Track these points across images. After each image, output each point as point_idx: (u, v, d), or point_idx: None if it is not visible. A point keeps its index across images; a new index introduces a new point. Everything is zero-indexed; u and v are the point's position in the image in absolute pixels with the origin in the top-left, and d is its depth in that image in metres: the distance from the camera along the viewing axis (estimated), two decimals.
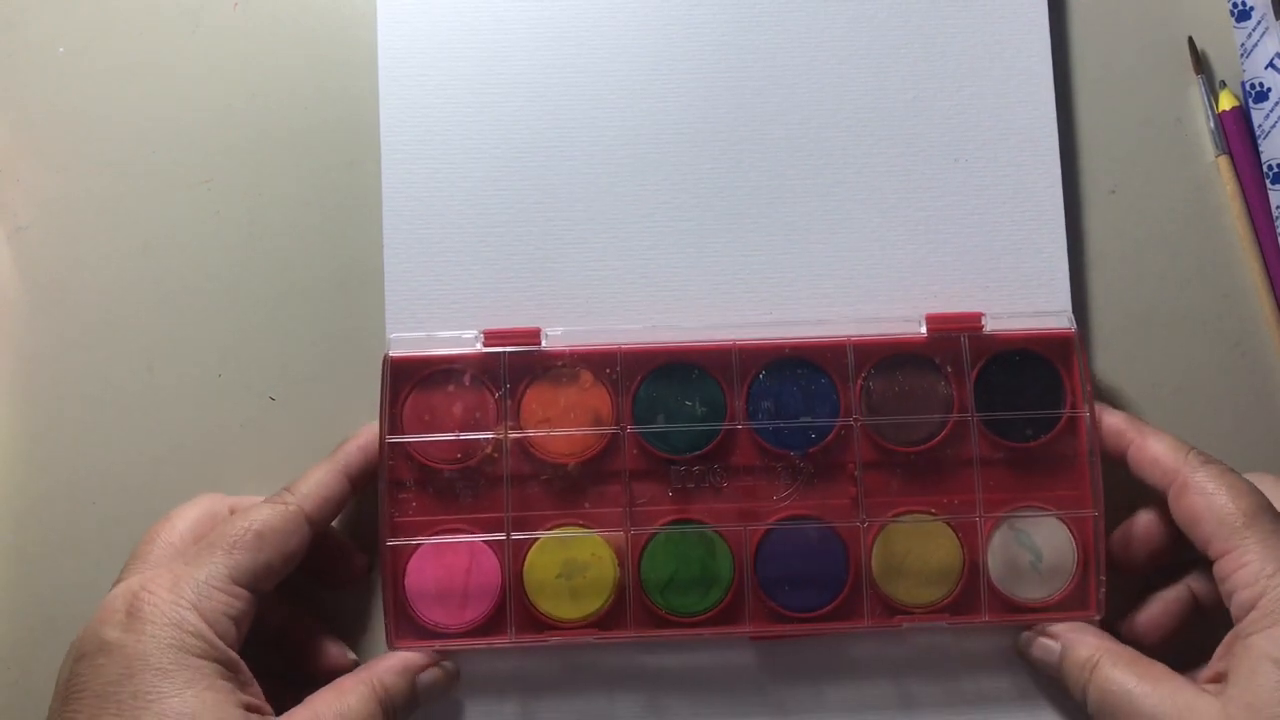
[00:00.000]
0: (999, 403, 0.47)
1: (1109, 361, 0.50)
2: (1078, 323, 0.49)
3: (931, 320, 0.47)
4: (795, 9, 0.51)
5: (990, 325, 0.47)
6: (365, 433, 0.45)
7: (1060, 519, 0.46)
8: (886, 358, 0.47)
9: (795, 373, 0.47)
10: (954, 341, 0.47)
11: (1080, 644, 0.43)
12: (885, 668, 0.47)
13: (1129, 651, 0.42)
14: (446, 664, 0.44)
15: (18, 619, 0.48)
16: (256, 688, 0.39)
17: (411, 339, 0.47)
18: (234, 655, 0.38)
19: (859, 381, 0.47)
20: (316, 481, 0.43)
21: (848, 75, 0.51)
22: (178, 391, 0.50)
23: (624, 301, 0.49)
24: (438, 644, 0.45)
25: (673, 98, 0.51)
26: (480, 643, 0.45)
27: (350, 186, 0.51)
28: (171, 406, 0.50)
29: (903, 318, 0.47)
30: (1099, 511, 0.45)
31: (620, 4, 0.51)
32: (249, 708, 0.37)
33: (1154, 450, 0.43)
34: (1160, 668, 0.41)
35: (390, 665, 0.42)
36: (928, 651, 0.47)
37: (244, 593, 0.39)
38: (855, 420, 0.46)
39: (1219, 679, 0.39)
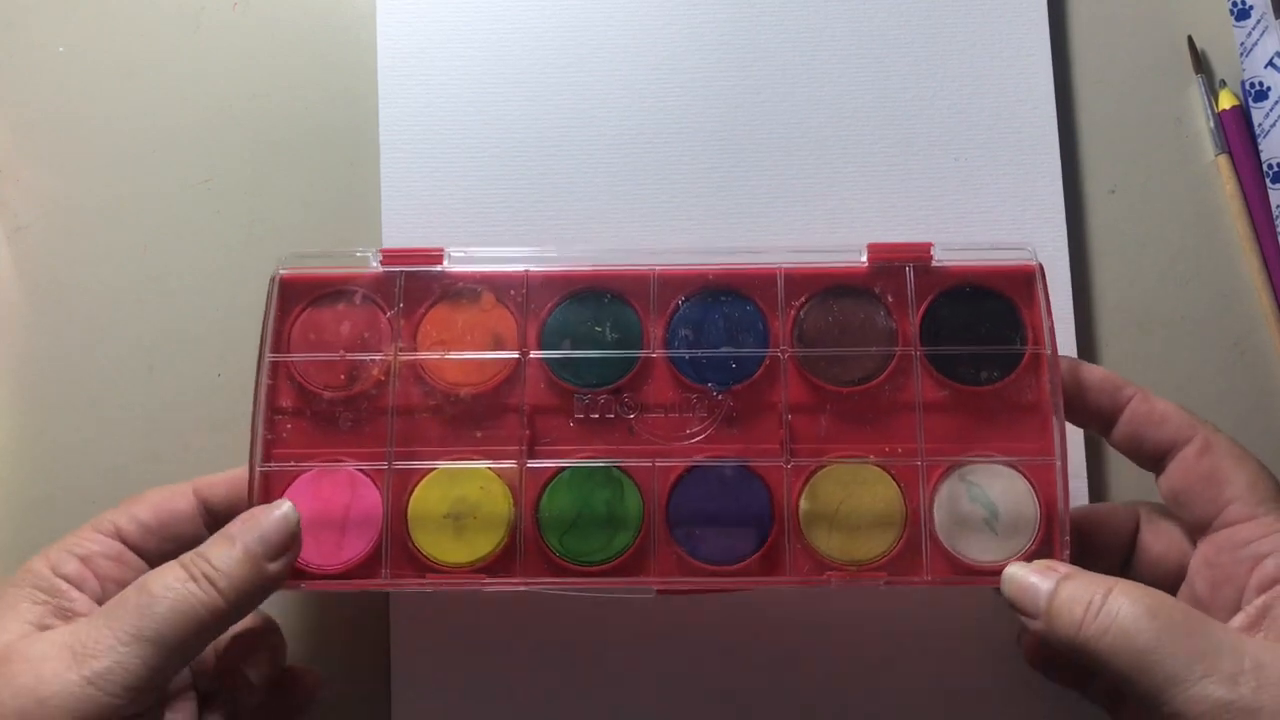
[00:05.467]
0: (949, 340, 0.42)
1: (1109, 361, 0.49)
2: (1078, 320, 0.49)
3: (874, 250, 0.43)
4: (796, 9, 0.51)
5: (940, 257, 0.43)
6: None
7: (1017, 468, 0.41)
8: (822, 289, 0.43)
9: (719, 300, 0.43)
10: (898, 273, 0.42)
11: (1085, 576, 0.37)
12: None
13: (1144, 587, 0.36)
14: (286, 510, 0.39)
15: None
16: (89, 616, 0.38)
17: (306, 256, 0.43)
18: (56, 581, 0.39)
19: (791, 311, 0.42)
20: (224, 473, 0.43)
21: (848, 75, 0.51)
22: (177, 391, 0.50)
23: None
24: (306, 584, 0.41)
25: (673, 97, 0.51)
26: (353, 585, 0.41)
27: (350, 186, 0.51)
28: (171, 406, 0.50)
29: (842, 247, 0.43)
30: (1063, 461, 0.40)
31: (620, 4, 0.51)
32: (45, 626, 0.37)
33: (1163, 406, 0.40)
34: (1186, 608, 0.36)
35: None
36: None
37: (97, 535, 0.40)
38: (784, 352, 0.42)
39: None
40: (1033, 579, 0.38)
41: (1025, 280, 0.42)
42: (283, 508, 0.39)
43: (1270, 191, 0.50)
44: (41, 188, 0.51)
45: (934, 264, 0.42)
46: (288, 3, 0.53)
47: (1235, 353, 0.50)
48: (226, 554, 0.37)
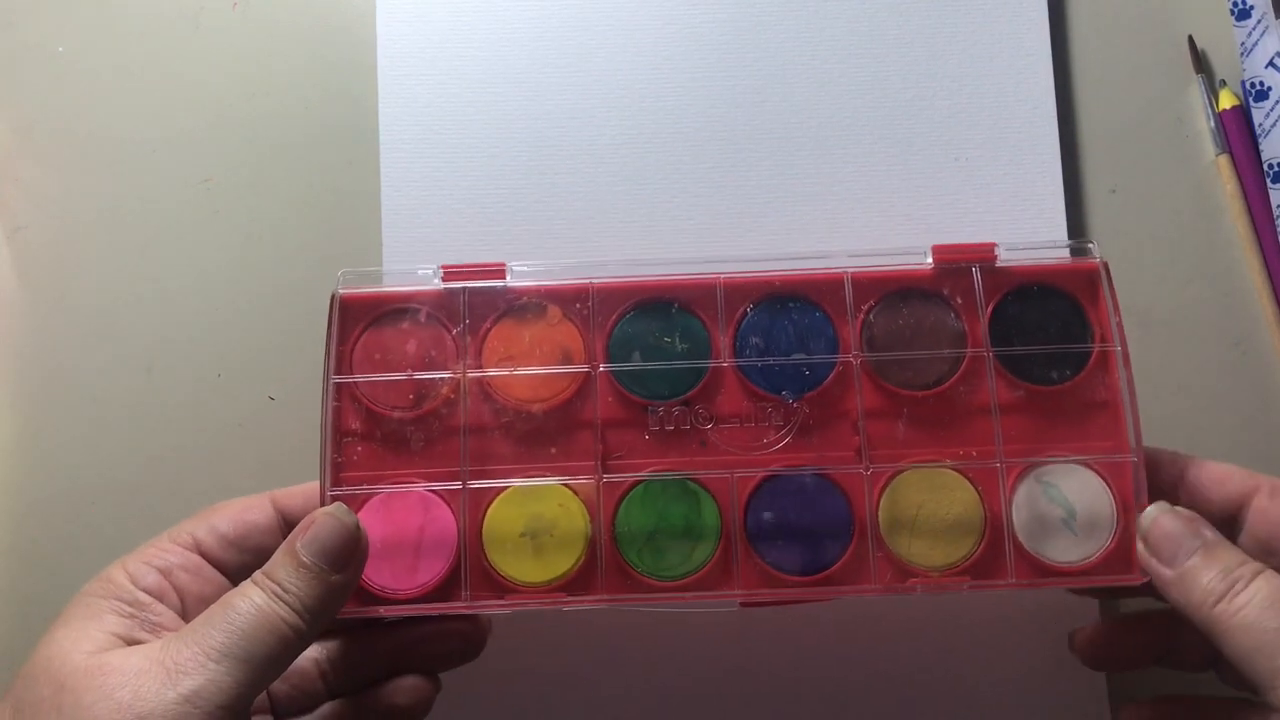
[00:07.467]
0: (1018, 340, 0.42)
1: None
2: None
3: (939, 251, 0.43)
4: (795, 9, 0.51)
5: (1004, 257, 0.43)
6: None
7: (1092, 467, 0.41)
8: (890, 292, 0.42)
9: (787, 307, 0.42)
10: (965, 274, 0.42)
11: (1232, 550, 0.36)
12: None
13: None
14: (341, 515, 0.38)
15: (18, 620, 0.48)
16: (173, 628, 0.38)
17: (365, 274, 0.43)
18: (138, 594, 0.38)
19: (859, 316, 0.42)
20: (300, 485, 0.42)
21: (848, 75, 0.51)
22: (177, 391, 0.50)
23: None
24: (384, 610, 0.41)
25: (673, 97, 0.51)
26: (432, 609, 0.41)
27: (350, 187, 0.51)
28: (171, 406, 0.50)
29: (906, 249, 0.43)
30: (1139, 457, 0.40)
31: (620, 4, 0.51)
32: (132, 640, 0.37)
33: (1217, 469, 0.40)
34: None
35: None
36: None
37: (175, 548, 0.40)
38: (855, 358, 0.42)
39: None
40: (1181, 530, 0.37)
41: (1089, 278, 0.43)
42: (341, 517, 0.38)
43: (1271, 191, 0.50)
44: (41, 188, 0.51)
45: (998, 264, 0.43)
46: (287, 3, 0.53)
47: (1235, 353, 0.50)
48: (294, 573, 0.37)
